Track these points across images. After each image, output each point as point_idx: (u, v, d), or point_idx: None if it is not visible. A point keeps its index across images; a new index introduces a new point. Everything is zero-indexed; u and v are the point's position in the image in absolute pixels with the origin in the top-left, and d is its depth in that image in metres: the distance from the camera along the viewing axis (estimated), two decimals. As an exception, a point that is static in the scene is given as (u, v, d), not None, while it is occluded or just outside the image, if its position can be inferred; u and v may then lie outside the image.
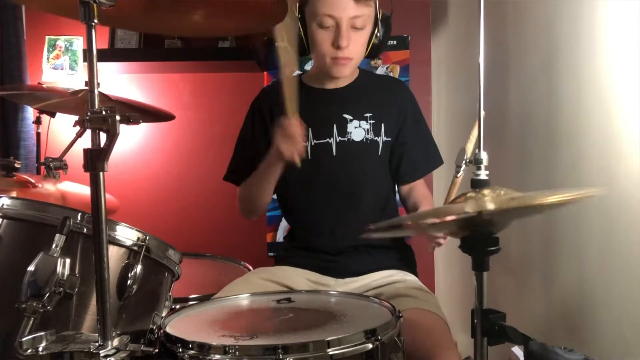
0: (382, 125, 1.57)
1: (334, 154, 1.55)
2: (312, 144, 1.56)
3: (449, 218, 0.88)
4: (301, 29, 1.51)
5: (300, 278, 1.54)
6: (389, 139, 1.58)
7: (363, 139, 1.56)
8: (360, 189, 1.57)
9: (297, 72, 2.67)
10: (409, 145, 1.60)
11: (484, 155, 0.96)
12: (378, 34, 1.53)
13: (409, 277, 1.54)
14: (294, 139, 1.38)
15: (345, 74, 1.55)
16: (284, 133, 1.39)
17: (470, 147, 1.15)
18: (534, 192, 0.91)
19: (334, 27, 1.45)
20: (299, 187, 1.59)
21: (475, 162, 0.97)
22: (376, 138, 1.57)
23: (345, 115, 1.57)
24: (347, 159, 1.55)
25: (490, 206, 0.85)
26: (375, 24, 1.51)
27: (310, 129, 1.55)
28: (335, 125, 1.56)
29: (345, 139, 1.56)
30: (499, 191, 0.92)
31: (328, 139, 1.55)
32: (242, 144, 1.68)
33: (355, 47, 1.49)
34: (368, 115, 1.57)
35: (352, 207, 1.55)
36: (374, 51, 1.56)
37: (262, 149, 1.57)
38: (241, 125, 1.68)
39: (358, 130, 1.56)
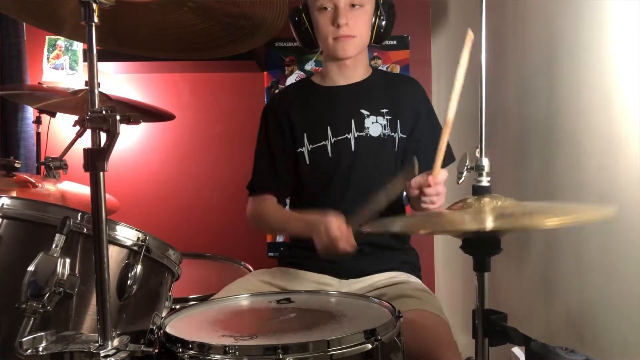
0: (398, 121, 1.57)
1: (353, 149, 1.55)
2: (332, 141, 1.56)
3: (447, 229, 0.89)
4: (306, 22, 1.55)
5: (302, 280, 1.53)
6: (405, 135, 1.58)
7: (380, 134, 1.56)
8: (375, 186, 1.55)
9: (298, 72, 2.70)
10: (423, 142, 1.59)
11: (485, 162, 0.96)
12: (381, 16, 1.56)
13: (412, 279, 1.54)
14: (340, 249, 1.35)
15: (350, 54, 1.54)
16: (334, 238, 1.35)
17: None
18: (533, 204, 0.91)
19: (333, 8, 1.50)
20: (317, 186, 1.59)
21: (477, 168, 0.96)
22: (393, 134, 1.57)
23: (362, 111, 1.57)
24: (365, 154, 1.55)
25: (489, 225, 0.85)
26: (377, 5, 1.55)
27: (328, 127, 1.55)
28: (353, 121, 1.56)
29: (364, 134, 1.56)
30: (498, 201, 0.92)
31: (347, 135, 1.55)
32: (260, 152, 1.67)
33: (356, 25, 1.51)
34: (384, 111, 1.57)
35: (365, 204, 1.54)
36: (380, 34, 1.58)
37: (277, 150, 1.59)
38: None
39: (375, 125, 1.56)
